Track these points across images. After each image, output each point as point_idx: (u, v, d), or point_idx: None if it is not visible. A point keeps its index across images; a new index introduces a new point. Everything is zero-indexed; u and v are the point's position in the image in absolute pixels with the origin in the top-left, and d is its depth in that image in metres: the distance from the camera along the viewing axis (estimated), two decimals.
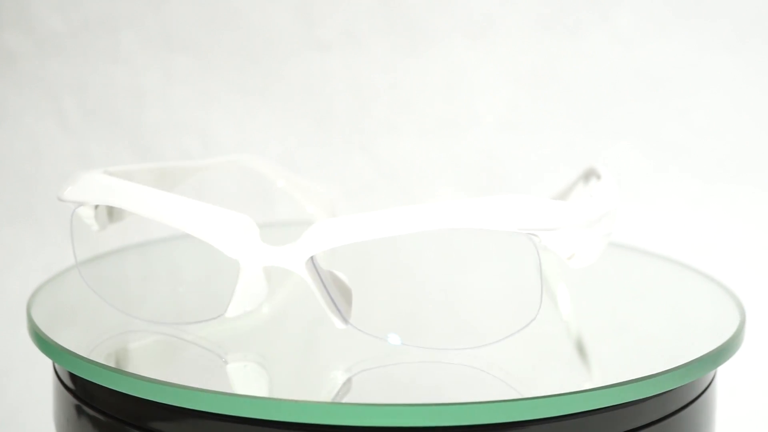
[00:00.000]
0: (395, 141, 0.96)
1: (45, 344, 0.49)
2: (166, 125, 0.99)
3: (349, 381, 0.48)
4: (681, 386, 0.47)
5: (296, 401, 0.43)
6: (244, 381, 0.49)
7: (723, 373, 0.56)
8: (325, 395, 0.46)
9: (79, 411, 0.49)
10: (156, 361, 0.51)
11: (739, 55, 0.90)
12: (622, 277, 0.62)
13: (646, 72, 0.91)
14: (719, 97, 0.90)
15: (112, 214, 0.55)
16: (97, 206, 0.53)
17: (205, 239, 0.48)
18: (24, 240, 1.01)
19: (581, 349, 0.53)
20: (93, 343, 0.51)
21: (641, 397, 0.45)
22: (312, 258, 0.47)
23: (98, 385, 0.46)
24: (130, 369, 0.48)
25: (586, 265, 0.49)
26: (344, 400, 0.45)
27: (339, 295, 0.48)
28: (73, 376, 0.49)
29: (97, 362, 0.46)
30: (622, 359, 0.51)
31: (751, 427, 0.91)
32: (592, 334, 0.54)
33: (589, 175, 0.62)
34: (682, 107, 0.91)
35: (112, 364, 0.48)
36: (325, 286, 0.48)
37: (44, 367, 0.67)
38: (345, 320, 0.48)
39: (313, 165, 0.97)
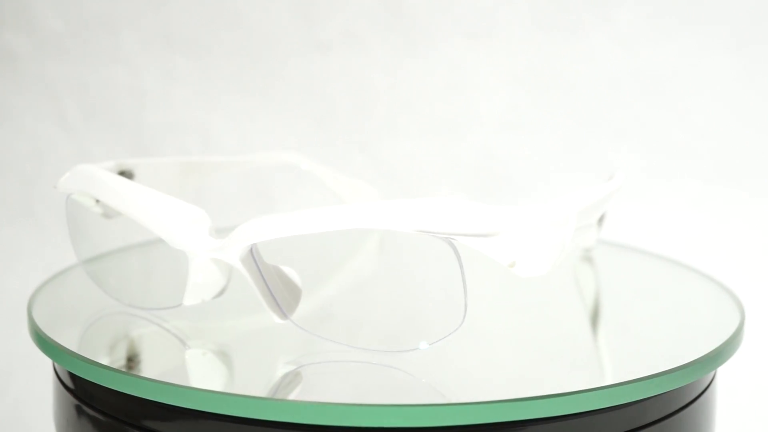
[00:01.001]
0: (395, 141, 0.96)
1: (45, 344, 0.49)
2: (166, 125, 0.99)
3: (291, 375, 0.48)
4: (681, 386, 0.47)
5: (296, 401, 0.43)
6: (199, 369, 0.49)
7: (723, 373, 0.56)
8: (261, 389, 0.46)
9: (79, 411, 0.49)
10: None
11: (739, 56, 0.90)
12: (622, 277, 0.62)
13: (646, 73, 0.91)
14: (719, 98, 0.90)
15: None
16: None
17: (154, 230, 0.50)
18: (24, 240, 1.01)
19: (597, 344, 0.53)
20: (93, 343, 0.51)
21: (641, 397, 0.45)
22: (252, 251, 0.48)
23: (98, 385, 0.46)
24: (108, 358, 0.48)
25: (536, 275, 0.47)
26: (283, 395, 0.46)
27: (283, 290, 0.49)
28: (73, 376, 0.49)
29: (97, 362, 0.47)
30: (622, 359, 0.51)
31: (751, 427, 0.91)
32: (592, 335, 0.54)
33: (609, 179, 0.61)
34: (682, 108, 0.91)
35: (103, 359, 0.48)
36: (264, 280, 0.48)
37: (44, 367, 0.67)
38: (284, 315, 0.48)
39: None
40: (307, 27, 0.96)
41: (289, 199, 0.96)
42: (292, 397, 0.45)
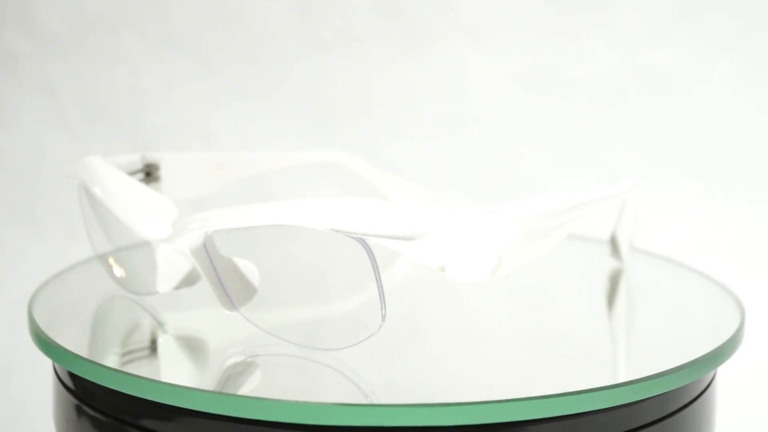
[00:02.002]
0: (396, 142, 0.96)
1: (45, 344, 0.49)
2: (166, 126, 0.99)
3: (237, 366, 0.48)
4: (681, 386, 0.47)
5: (295, 402, 0.43)
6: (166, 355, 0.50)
7: (723, 373, 0.56)
8: (209, 382, 0.47)
9: (79, 411, 0.49)
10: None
11: (739, 55, 0.90)
12: (622, 276, 0.62)
13: (646, 72, 0.91)
14: (719, 97, 0.90)
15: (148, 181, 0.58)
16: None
17: (123, 219, 0.51)
18: (24, 240, 1.01)
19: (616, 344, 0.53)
20: (93, 343, 0.51)
21: (641, 398, 0.45)
22: (205, 243, 0.48)
23: (98, 385, 0.46)
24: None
25: (473, 281, 0.46)
26: (228, 389, 0.46)
27: (235, 283, 0.49)
28: (73, 376, 0.49)
29: (97, 362, 0.47)
30: (622, 359, 0.51)
31: (751, 427, 0.91)
32: (592, 335, 0.54)
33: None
34: (682, 108, 0.91)
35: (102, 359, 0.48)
36: (215, 271, 0.49)
37: (44, 367, 0.67)
38: (233, 307, 0.49)
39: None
40: (307, 28, 0.96)
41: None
42: (242, 390, 0.46)
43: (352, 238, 0.45)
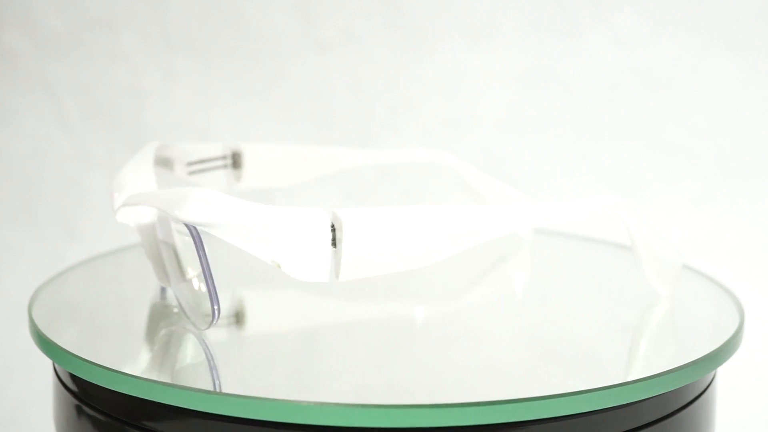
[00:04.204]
0: (396, 141, 0.96)
1: (45, 344, 0.49)
2: (166, 125, 0.99)
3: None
4: (681, 386, 0.47)
5: (295, 402, 0.43)
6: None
7: (723, 373, 0.56)
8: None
9: (79, 411, 0.49)
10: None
11: (739, 55, 0.90)
12: (622, 277, 0.62)
13: (646, 72, 0.91)
14: (719, 97, 0.90)
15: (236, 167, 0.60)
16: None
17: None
18: (24, 240, 1.01)
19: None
20: (93, 343, 0.51)
21: (641, 398, 0.45)
22: (155, 225, 0.50)
23: (98, 385, 0.46)
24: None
25: (314, 280, 0.47)
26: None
27: (173, 263, 0.50)
28: (73, 376, 0.49)
29: (97, 362, 0.46)
30: (622, 359, 0.51)
31: (751, 427, 0.91)
32: (592, 335, 0.54)
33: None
34: (683, 108, 0.91)
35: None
36: (159, 250, 0.50)
37: (44, 367, 0.67)
38: (168, 283, 0.50)
39: None
40: (307, 27, 0.96)
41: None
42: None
43: (185, 225, 0.46)
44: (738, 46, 0.89)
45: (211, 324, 0.48)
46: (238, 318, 0.54)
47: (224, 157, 0.60)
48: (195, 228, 0.46)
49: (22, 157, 1.01)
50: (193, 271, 0.50)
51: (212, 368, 0.49)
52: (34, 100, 1.01)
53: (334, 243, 0.46)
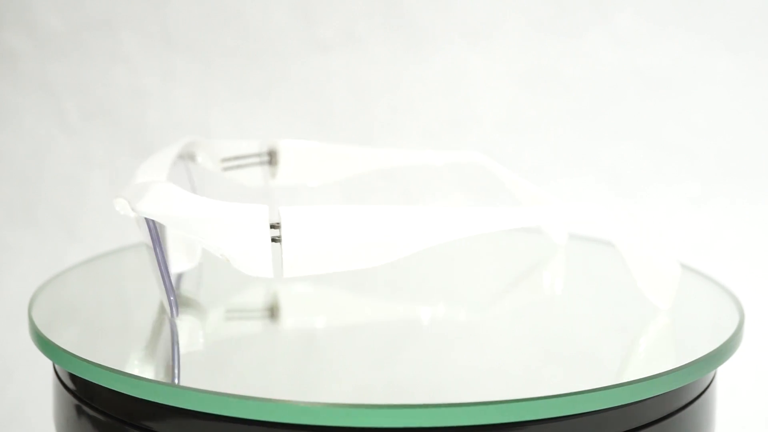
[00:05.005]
0: (396, 141, 0.96)
1: (45, 344, 0.49)
2: (166, 125, 0.99)
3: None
4: (681, 386, 0.47)
5: (295, 402, 0.43)
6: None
7: (723, 373, 0.56)
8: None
9: (79, 411, 0.49)
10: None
11: (739, 55, 0.90)
12: (622, 277, 0.62)
13: (646, 72, 0.91)
14: (719, 97, 0.90)
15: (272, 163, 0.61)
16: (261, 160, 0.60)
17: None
18: (24, 240, 1.01)
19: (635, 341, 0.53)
20: (93, 343, 0.51)
21: (641, 398, 0.45)
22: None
23: (98, 385, 0.46)
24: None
25: (261, 276, 0.47)
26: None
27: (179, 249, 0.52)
28: (73, 376, 0.49)
29: (97, 362, 0.47)
30: (622, 360, 0.51)
31: (751, 427, 0.91)
32: (592, 335, 0.54)
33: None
34: (683, 108, 0.91)
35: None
36: (151, 238, 0.50)
37: (44, 367, 0.67)
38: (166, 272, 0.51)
39: None
40: (307, 27, 0.96)
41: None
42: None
43: (143, 216, 0.47)
44: (738, 46, 0.89)
45: (172, 316, 0.49)
46: (272, 312, 0.56)
47: (260, 154, 0.61)
48: (153, 221, 0.48)
49: (22, 157, 1.01)
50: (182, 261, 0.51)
51: (175, 359, 0.49)
52: (34, 100, 1.01)
53: (277, 239, 0.47)
